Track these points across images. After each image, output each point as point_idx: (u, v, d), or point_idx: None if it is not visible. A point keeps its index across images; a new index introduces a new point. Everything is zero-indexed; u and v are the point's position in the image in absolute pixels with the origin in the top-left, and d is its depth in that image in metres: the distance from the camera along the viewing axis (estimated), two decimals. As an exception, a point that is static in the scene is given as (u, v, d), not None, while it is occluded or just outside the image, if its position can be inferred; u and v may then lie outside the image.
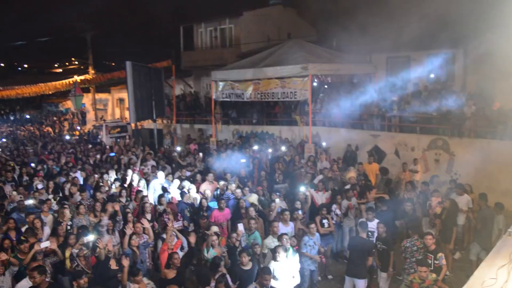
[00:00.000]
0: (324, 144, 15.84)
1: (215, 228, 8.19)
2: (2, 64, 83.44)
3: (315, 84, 16.73)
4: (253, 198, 10.01)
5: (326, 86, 18.29)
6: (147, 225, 8.31)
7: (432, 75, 16.34)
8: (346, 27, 15.80)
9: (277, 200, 9.54)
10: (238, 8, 24.25)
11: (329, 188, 10.95)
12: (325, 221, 9.08)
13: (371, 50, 17.60)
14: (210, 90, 18.24)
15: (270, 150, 15.21)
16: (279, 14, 25.50)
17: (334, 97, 17.18)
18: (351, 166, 12.98)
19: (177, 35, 26.81)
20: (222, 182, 10.96)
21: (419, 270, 6.51)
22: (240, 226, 8.12)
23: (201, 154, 14.83)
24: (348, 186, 10.75)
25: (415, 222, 8.63)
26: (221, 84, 17.63)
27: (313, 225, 8.22)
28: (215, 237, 7.61)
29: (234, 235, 7.83)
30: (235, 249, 7.64)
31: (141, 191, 10.68)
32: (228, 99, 17.88)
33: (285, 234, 7.52)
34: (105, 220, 8.46)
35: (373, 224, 8.51)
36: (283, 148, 15.47)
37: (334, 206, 9.78)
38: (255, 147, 15.81)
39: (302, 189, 10.30)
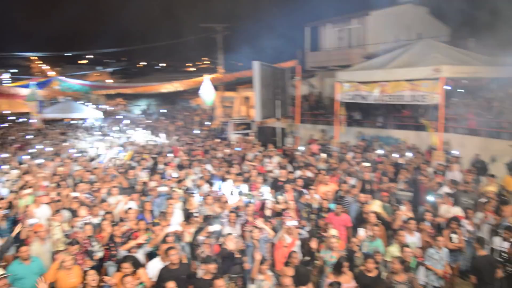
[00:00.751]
0: (456, 152, 14.77)
1: (333, 231, 8.15)
2: (143, 63, 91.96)
3: (448, 87, 15.70)
4: (376, 204, 9.76)
5: (460, 90, 17.05)
6: (262, 224, 8.50)
7: None
8: (487, 26, 14.56)
9: (403, 207, 9.18)
10: (366, 8, 23.72)
11: (461, 201, 10.20)
12: (454, 235, 8.50)
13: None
14: (335, 91, 18.05)
15: (395, 155, 14.68)
16: (409, 13, 24.42)
17: (469, 102, 15.96)
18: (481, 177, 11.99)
19: (303, 36, 27.07)
20: (344, 185, 10.85)
21: None
22: (362, 232, 7.99)
23: (323, 155, 14.80)
24: (483, 200, 9.91)
25: None
26: (346, 85, 17.39)
27: (441, 239, 7.77)
28: (334, 240, 7.59)
29: (355, 240, 7.73)
30: (352, 254, 7.54)
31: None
32: (352, 101, 17.57)
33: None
34: (226, 212, 8.91)
35: (506, 245, 7.75)
36: (409, 154, 14.82)
37: (465, 221, 9.10)
38: (379, 151, 15.36)
39: (430, 198, 9.77)
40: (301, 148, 17.22)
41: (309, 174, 12.65)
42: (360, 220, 9.19)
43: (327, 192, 10.57)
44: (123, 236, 7.86)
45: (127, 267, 6.25)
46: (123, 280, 5.97)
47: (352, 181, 11.85)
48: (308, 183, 11.44)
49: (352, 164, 13.50)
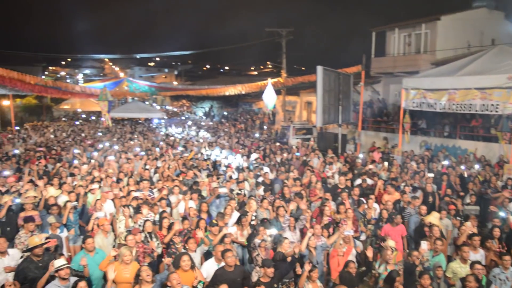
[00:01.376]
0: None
1: (391, 243, 7.85)
2: (208, 66, 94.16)
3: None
4: (434, 216, 9.32)
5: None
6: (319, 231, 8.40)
7: None
8: None
9: (468, 223, 8.73)
10: (436, 12, 22.88)
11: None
12: (524, 255, 7.97)
13: None
14: (399, 97, 17.55)
15: (462, 167, 14.03)
16: (483, 18, 23.25)
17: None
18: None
19: (368, 41, 26.59)
20: (406, 196, 10.50)
21: None
22: (424, 245, 7.67)
23: (386, 163, 14.42)
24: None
25: None
26: (412, 92, 16.85)
27: (508, 258, 7.30)
28: (389, 252, 7.35)
29: (416, 253, 7.44)
30: (413, 268, 7.26)
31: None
32: (418, 109, 17.00)
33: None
34: (287, 216, 8.88)
35: None
36: (477, 166, 14.10)
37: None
38: (445, 162, 14.73)
39: (501, 214, 9.22)
40: (362, 155, 16.87)
41: (369, 182, 12.38)
42: (420, 233, 8.85)
43: (387, 202, 10.26)
44: (181, 234, 8.07)
45: (186, 259, 6.38)
46: (181, 275, 6.09)
47: (414, 192, 11.46)
48: (367, 192, 11.19)
49: (415, 175, 13.05)
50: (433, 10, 23.27)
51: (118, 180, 11.48)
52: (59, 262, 6.11)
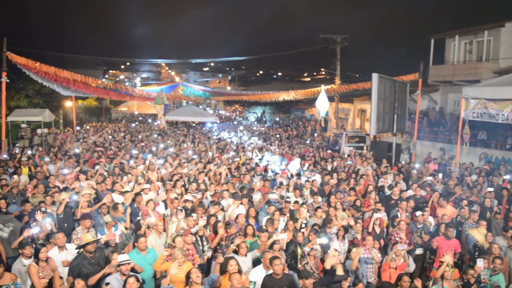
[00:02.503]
0: None
1: (447, 258, 7.50)
2: (261, 72, 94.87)
3: None
4: (478, 231, 8.76)
5: None
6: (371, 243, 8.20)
7: None
8: None
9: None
10: (499, 19, 21.87)
11: None
12: None
13: None
14: (458, 107, 16.89)
15: (525, 182, 13.27)
16: (553, 24, 21.99)
17: None
18: None
19: (426, 48, 25.84)
20: (464, 210, 10.04)
21: None
22: (480, 263, 7.30)
23: (441, 175, 13.90)
24: None
25: None
26: (473, 102, 16.16)
27: None
28: (447, 269, 7.05)
29: (472, 271, 7.10)
30: (469, 286, 6.93)
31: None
32: (479, 119, 16.28)
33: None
34: (335, 228, 8.72)
35: None
36: (543, 181, 13.29)
37: None
38: (506, 176, 14.00)
39: None
40: (417, 166, 16.35)
41: (423, 193, 11.97)
42: (479, 250, 8.44)
43: (443, 215, 9.86)
44: (228, 239, 8.08)
45: (233, 264, 6.41)
46: (232, 276, 6.12)
47: (471, 206, 10.94)
48: (419, 205, 10.82)
49: (472, 188, 12.50)
50: (496, 16, 22.19)
51: (173, 182, 11.73)
52: (122, 257, 6.32)
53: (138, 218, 9.23)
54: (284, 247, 7.91)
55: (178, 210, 9.04)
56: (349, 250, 8.13)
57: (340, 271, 7.00)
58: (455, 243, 8.69)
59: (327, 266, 6.97)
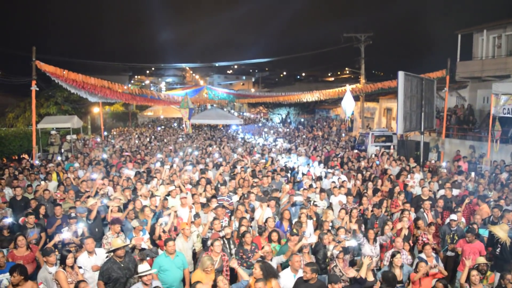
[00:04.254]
0: None
1: (468, 262, 7.15)
2: (285, 73, 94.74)
3: None
4: (501, 228, 8.37)
5: None
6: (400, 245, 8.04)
7: None
8: None
9: None
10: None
11: None
12: None
13: None
14: (488, 103, 16.48)
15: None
16: None
17: None
18: None
19: (453, 44, 25.29)
20: (496, 210, 9.75)
21: None
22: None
23: (472, 174, 13.56)
24: None
25: None
26: (503, 97, 15.77)
27: None
28: (475, 273, 6.77)
29: (509, 276, 6.84)
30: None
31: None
32: (510, 115, 15.86)
33: None
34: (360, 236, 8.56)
35: None
36: None
37: None
38: (540, 175, 13.58)
39: None
40: (446, 164, 15.99)
41: (454, 193, 11.69)
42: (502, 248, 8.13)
43: (475, 216, 9.60)
44: (253, 243, 8.01)
45: (256, 267, 6.38)
46: (256, 285, 6.10)
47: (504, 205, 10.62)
48: (449, 205, 10.56)
49: (504, 187, 12.15)
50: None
51: (198, 186, 11.79)
52: (143, 267, 6.35)
53: (153, 222, 9.24)
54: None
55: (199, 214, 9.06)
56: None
57: (370, 277, 6.88)
58: (478, 246, 8.20)
59: (363, 274, 6.77)
